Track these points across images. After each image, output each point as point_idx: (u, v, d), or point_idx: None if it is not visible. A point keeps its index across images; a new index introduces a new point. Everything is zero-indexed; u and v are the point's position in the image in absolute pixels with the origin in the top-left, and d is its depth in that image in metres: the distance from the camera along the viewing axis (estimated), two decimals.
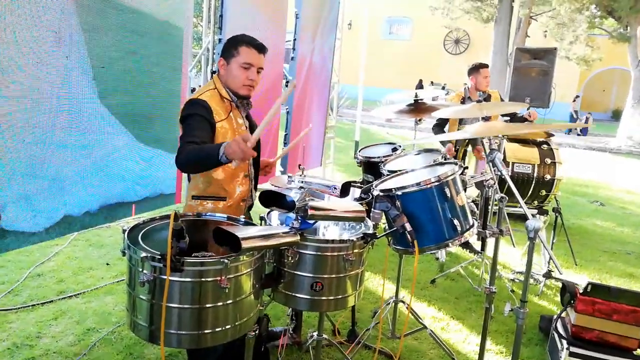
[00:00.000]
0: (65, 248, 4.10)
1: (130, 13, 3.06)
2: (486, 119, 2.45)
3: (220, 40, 3.86)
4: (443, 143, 4.43)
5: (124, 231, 1.71)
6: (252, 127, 2.37)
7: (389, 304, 3.13)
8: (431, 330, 3.02)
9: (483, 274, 4.10)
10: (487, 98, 4.57)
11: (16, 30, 2.42)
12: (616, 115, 22.68)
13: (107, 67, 2.97)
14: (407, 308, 2.93)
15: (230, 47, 2.22)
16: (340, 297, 1.97)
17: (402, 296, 3.20)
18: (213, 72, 4.01)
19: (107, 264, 3.88)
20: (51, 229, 2.83)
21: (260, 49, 2.22)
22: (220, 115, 2.18)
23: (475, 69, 4.61)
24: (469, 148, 4.79)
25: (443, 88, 18.01)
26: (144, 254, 1.55)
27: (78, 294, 3.37)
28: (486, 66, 4.67)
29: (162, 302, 1.52)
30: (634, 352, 2.73)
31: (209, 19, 4.29)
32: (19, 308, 3.13)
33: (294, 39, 4.97)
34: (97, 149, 3.03)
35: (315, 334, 2.43)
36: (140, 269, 1.57)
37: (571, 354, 2.72)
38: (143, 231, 1.76)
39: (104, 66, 2.95)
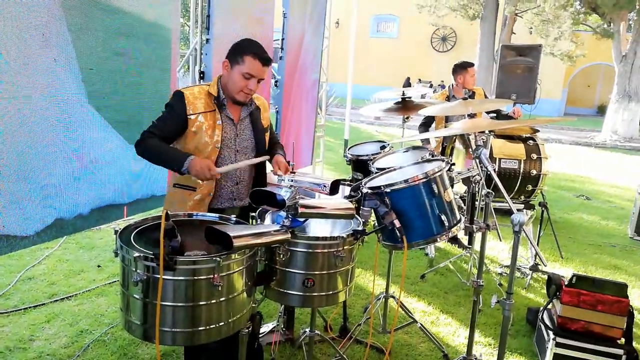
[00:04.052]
0: (56, 251, 4.09)
1: (117, 14, 3.06)
2: (472, 116, 2.50)
3: (207, 40, 3.87)
4: (424, 142, 4.47)
5: (115, 232, 1.73)
6: (254, 123, 2.41)
7: (379, 299, 3.18)
8: (421, 324, 3.08)
9: (471, 269, 4.17)
10: (472, 96, 4.63)
11: (2, 33, 2.41)
12: (601, 111, 22.97)
13: (95, 69, 2.97)
14: (397, 303, 2.98)
15: (237, 53, 2.23)
16: (331, 292, 2.01)
17: (393, 292, 3.25)
18: (201, 73, 4.02)
19: (99, 266, 3.88)
20: (42, 233, 2.83)
21: (266, 62, 2.24)
22: (198, 108, 2.24)
23: (463, 68, 4.66)
24: (457, 145, 4.85)
25: (430, 86, 18.14)
26: (136, 254, 1.58)
27: (70, 296, 3.38)
28: (472, 65, 4.73)
29: (156, 300, 1.55)
30: (618, 341, 2.80)
31: (196, 19, 4.30)
32: (10, 312, 3.12)
33: (282, 39, 4.99)
34: (88, 151, 3.03)
35: (307, 330, 2.47)
36: (134, 269, 1.59)
37: (557, 345, 2.79)
38: (135, 232, 1.78)
39: (92, 68, 2.95)
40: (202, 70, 4.05)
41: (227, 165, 2.26)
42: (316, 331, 2.48)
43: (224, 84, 2.30)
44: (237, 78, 2.23)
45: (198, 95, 2.27)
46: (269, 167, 2.49)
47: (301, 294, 1.97)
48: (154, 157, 2.25)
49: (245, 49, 2.22)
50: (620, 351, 2.73)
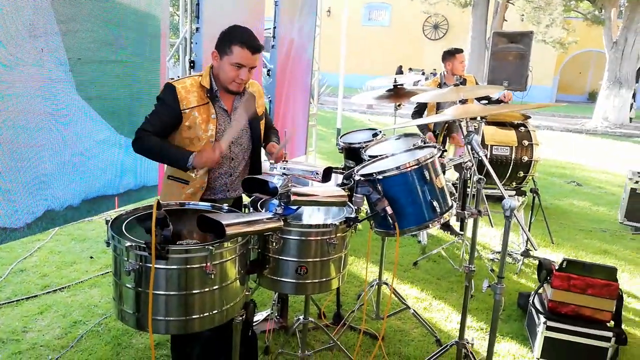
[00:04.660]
0: (48, 243, 4.07)
1: (105, 3, 3.01)
2: (463, 102, 2.50)
3: (197, 29, 3.83)
4: (422, 131, 4.48)
5: (107, 222, 1.72)
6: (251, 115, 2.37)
7: (372, 286, 3.21)
8: (414, 310, 3.11)
9: (463, 255, 4.21)
10: (463, 83, 4.63)
11: None
12: (592, 97, 23.07)
13: (83, 59, 2.94)
14: (390, 290, 3.00)
15: (225, 43, 2.18)
16: (324, 280, 2.02)
17: (386, 278, 3.27)
18: (191, 62, 3.98)
19: (91, 257, 3.87)
20: (33, 224, 2.80)
21: (255, 50, 2.18)
22: (191, 102, 2.20)
23: (451, 55, 4.66)
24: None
25: (423, 73, 18.10)
26: (128, 244, 1.57)
27: (63, 287, 3.37)
28: (461, 51, 4.72)
29: (149, 289, 1.55)
30: (608, 324, 2.84)
31: (185, 8, 4.25)
32: (3, 304, 3.11)
33: (274, 27, 4.95)
34: (77, 142, 3.00)
35: (301, 317, 2.48)
36: (126, 259, 1.59)
37: (548, 328, 2.83)
38: (127, 221, 1.78)
39: (80, 58, 2.91)
40: (192, 59, 4.01)
41: (225, 135, 2.21)
42: (310, 318, 2.49)
43: (216, 75, 2.26)
44: (228, 69, 2.18)
45: (190, 88, 2.22)
46: (263, 156, 2.48)
47: (294, 281, 1.97)
48: (155, 156, 2.28)
49: (233, 39, 2.16)
50: (609, 334, 2.77)
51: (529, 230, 4.55)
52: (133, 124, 3.39)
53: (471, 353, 2.56)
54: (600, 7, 16.06)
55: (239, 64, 2.17)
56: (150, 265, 1.53)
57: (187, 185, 2.29)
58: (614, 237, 5.24)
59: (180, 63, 4.32)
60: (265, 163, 2.39)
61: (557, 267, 2.92)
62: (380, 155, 2.53)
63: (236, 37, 2.16)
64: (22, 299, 3.18)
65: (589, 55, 24.22)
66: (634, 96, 16.16)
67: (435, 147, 2.36)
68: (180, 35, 4.30)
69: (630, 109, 16.68)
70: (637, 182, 5.34)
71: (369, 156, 2.72)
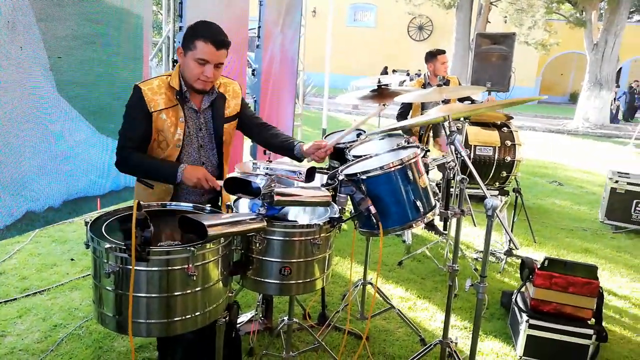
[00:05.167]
0: (27, 245, 4.00)
1: (86, 1, 2.97)
2: (446, 102, 2.52)
3: (180, 28, 3.79)
4: (407, 132, 4.50)
5: (86, 223, 1.69)
6: (214, 113, 2.28)
7: (357, 286, 3.21)
8: (398, 310, 3.12)
9: (447, 254, 4.23)
10: (447, 83, 4.67)
11: None
12: (573, 98, 23.46)
13: (64, 58, 2.88)
14: (374, 290, 3.00)
15: (189, 39, 2.09)
16: (308, 280, 2.01)
17: (370, 278, 3.28)
18: (174, 61, 3.95)
19: (72, 260, 3.80)
20: (12, 226, 2.74)
21: (219, 45, 2.08)
22: (159, 105, 2.12)
23: (433, 56, 4.70)
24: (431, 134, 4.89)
25: (407, 74, 18.19)
26: (108, 245, 1.55)
27: (42, 290, 3.30)
28: (443, 52, 4.76)
29: (129, 292, 1.52)
30: (589, 322, 2.89)
31: (168, 7, 4.21)
32: None
33: (259, 27, 4.93)
34: (58, 142, 2.95)
35: (286, 318, 2.47)
36: (105, 260, 1.56)
37: (531, 326, 2.86)
38: (106, 223, 1.75)
39: (61, 56, 2.86)
40: (175, 59, 3.97)
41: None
42: (294, 319, 2.48)
43: (182, 73, 2.17)
44: (192, 65, 2.08)
45: (157, 89, 2.13)
46: (248, 156, 2.46)
47: (278, 282, 1.96)
48: (141, 174, 2.22)
49: (196, 33, 2.07)
50: (590, 331, 2.81)
51: (511, 229, 4.61)
52: (115, 124, 3.32)
53: (455, 352, 2.58)
54: (581, 9, 16.34)
55: (203, 60, 2.07)
56: (131, 267, 1.50)
57: (151, 189, 2.25)
58: (595, 236, 5.32)
59: (164, 62, 4.29)
60: (248, 163, 2.37)
61: (539, 266, 2.96)
62: (364, 155, 2.53)
63: (199, 32, 2.07)
64: (0, 302, 3.11)
65: (571, 57, 24.62)
66: (615, 98, 16.51)
67: (418, 147, 2.37)
68: (163, 34, 4.27)
69: (617, 110, 17.02)
70: (617, 181, 5.44)
71: (353, 156, 2.72)
